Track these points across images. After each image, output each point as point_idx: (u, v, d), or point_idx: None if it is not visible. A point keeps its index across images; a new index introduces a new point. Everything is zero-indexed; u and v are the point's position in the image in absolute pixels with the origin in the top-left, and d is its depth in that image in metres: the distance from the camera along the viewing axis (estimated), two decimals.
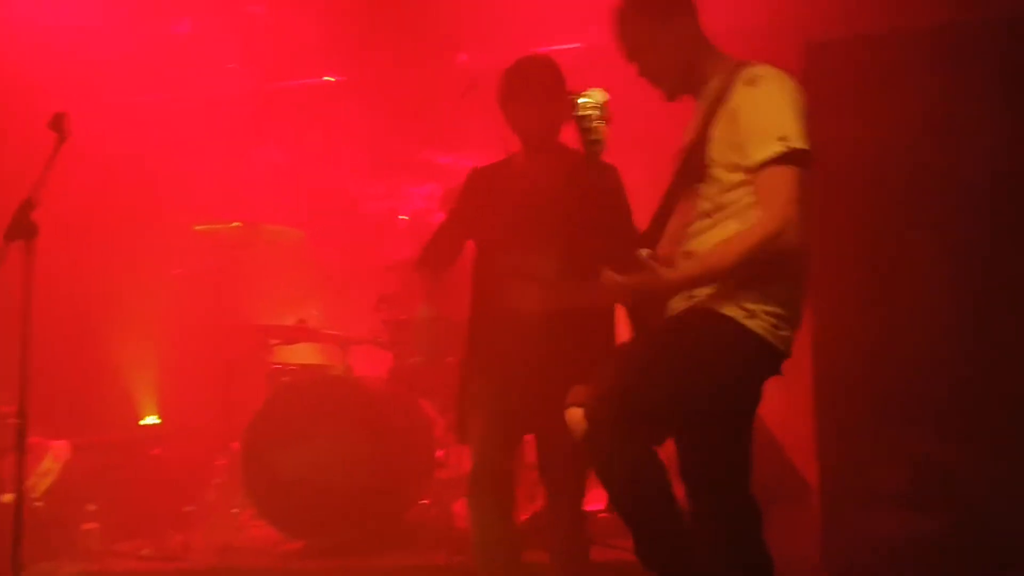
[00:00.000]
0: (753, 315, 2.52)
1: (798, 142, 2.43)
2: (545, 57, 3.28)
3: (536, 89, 3.15)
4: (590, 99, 2.50)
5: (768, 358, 2.59)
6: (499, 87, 3.22)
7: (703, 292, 2.55)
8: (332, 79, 6.01)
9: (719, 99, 2.56)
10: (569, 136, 3.24)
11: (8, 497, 2.93)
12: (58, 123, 2.78)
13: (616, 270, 2.55)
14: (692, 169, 2.60)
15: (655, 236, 2.64)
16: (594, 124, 2.47)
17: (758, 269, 2.49)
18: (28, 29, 5.30)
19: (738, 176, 2.51)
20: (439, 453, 4.70)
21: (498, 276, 3.16)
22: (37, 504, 4.43)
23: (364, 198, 5.79)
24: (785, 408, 4.53)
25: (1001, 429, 3.78)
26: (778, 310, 2.55)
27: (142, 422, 5.90)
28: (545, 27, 5.60)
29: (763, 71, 2.55)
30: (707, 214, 2.57)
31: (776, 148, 2.42)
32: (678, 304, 2.60)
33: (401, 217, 5.25)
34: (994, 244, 3.85)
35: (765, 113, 2.47)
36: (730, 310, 2.52)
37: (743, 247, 2.46)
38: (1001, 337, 3.81)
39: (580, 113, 2.47)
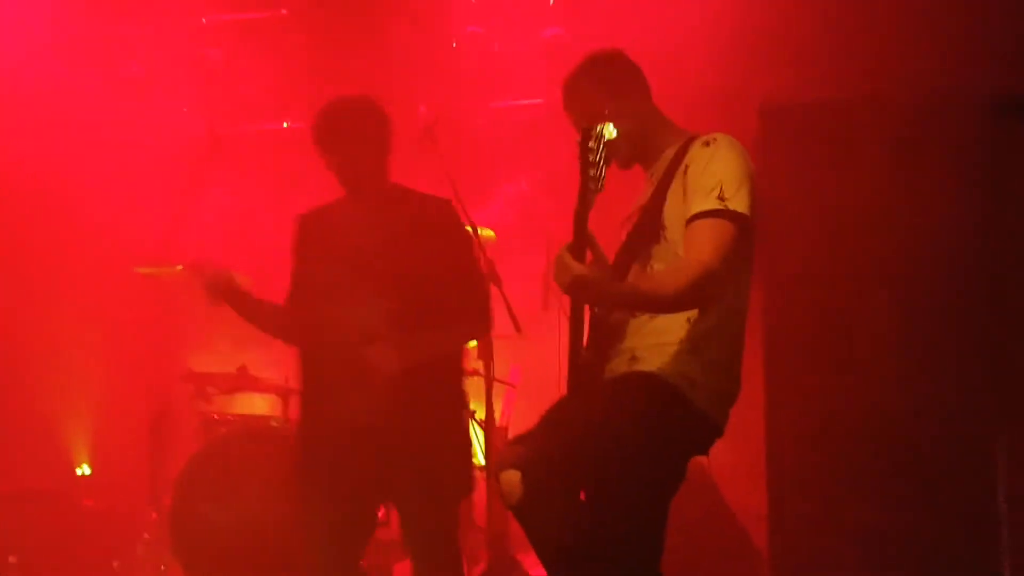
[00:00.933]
0: (695, 386, 2.44)
1: (736, 205, 2.39)
2: (361, 98, 3.14)
3: (350, 132, 3.04)
4: (595, 132, 2.28)
5: (705, 434, 2.53)
6: (312, 131, 3.09)
7: (647, 357, 2.47)
8: (287, 125, 5.94)
9: (675, 165, 2.53)
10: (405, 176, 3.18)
11: None
12: None
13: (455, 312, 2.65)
14: (645, 231, 2.54)
15: None
16: (594, 159, 2.27)
17: (701, 337, 2.43)
18: None
19: None
20: (379, 512, 4.53)
21: (325, 334, 2.99)
22: None
23: None
24: (738, 476, 4.48)
25: (953, 498, 3.76)
26: (721, 382, 2.49)
27: (77, 471, 5.69)
28: (507, 82, 5.62)
29: (719, 135, 2.53)
30: None
31: (713, 204, 2.39)
32: (619, 367, 2.51)
33: None
34: (946, 309, 3.85)
35: (712, 172, 2.44)
36: (674, 379, 2.43)
37: (655, 289, 2.40)
38: (954, 403, 3.80)
39: (588, 144, 2.27)
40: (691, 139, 2.57)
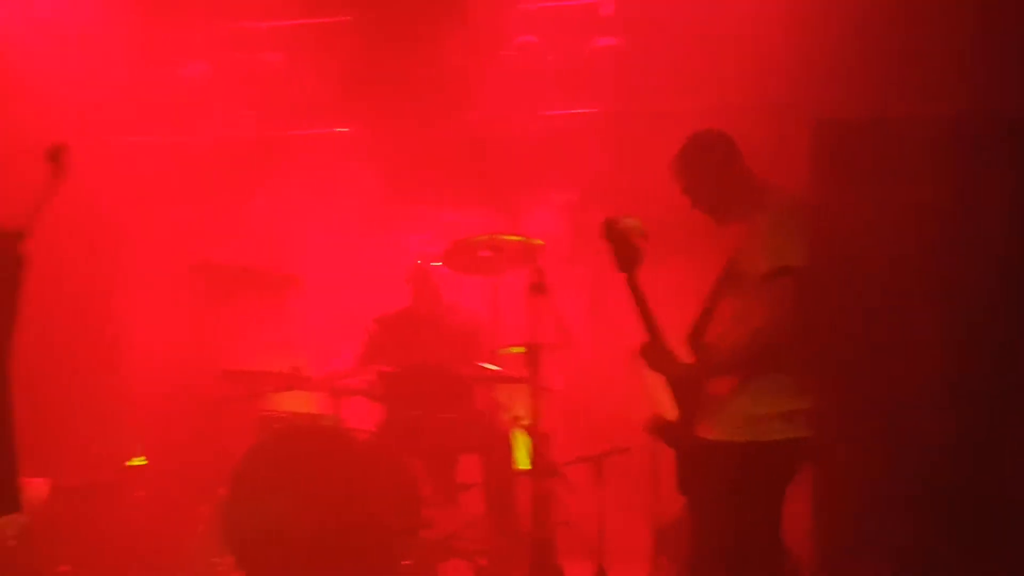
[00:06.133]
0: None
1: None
2: None
3: None
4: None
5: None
6: None
7: None
8: (343, 130, 6.03)
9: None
10: None
11: None
12: (56, 155, 2.73)
13: None
14: None
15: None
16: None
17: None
18: (44, 64, 5.33)
19: None
20: (425, 512, 4.60)
21: None
22: (11, 543, 4.34)
23: (364, 249, 5.78)
24: None
25: (999, 518, 3.73)
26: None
27: (129, 463, 5.81)
28: (559, 90, 5.65)
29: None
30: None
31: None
32: None
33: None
34: (992, 330, 3.82)
35: None
36: None
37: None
38: (994, 425, 3.77)
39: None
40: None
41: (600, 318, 4.60)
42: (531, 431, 4.26)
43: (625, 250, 2.98)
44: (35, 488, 4.67)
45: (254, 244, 5.52)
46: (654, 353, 3.03)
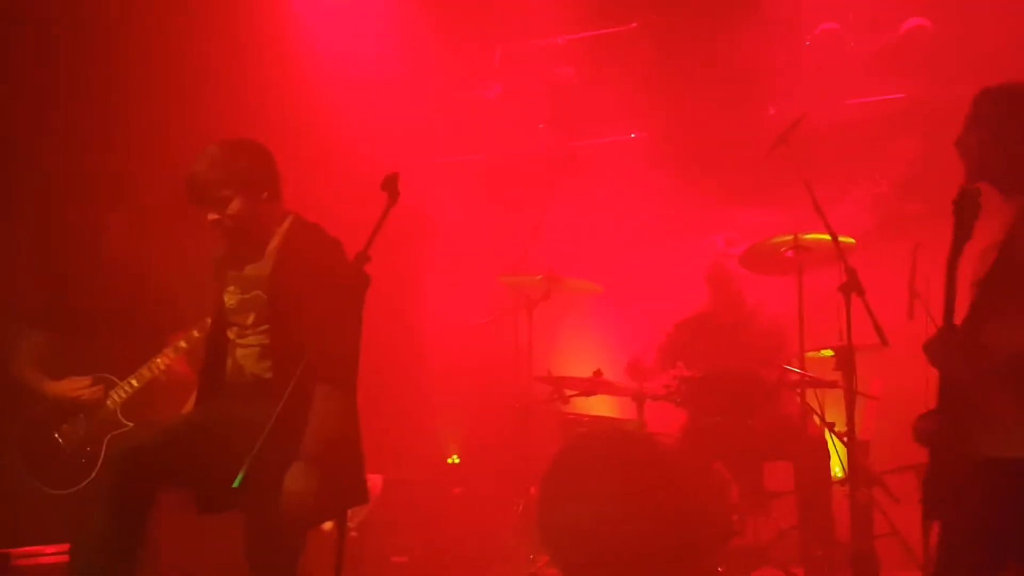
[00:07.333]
0: None
1: None
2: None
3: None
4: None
5: None
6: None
7: None
8: (635, 135, 6.09)
9: None
10: None
11: (329, 525, 3.14)
12: (390, 184, 2.96)
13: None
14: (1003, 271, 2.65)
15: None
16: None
17: None
18: (363, 94, 5.81)
19: None
20: (734, 519, 4.53)
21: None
22: (353, 534, 4.76)
23: (664, 252, 5.79)
24: None
25: None
26: None
27: (448, 460, 6.19)
28: (864, 77, 5.38)
29: None
30: None
31: None
32: None
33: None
34: None
35: None
36: None
37: None
38: None
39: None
40: None
41: (919, 318, 4.29)
42: (847, 438, 4.07)
43: (965, 227, 2.63)
44: (372, 482, 5.09)
45: (557, 252, 5.68)
46: (943, 346, 2.68)
